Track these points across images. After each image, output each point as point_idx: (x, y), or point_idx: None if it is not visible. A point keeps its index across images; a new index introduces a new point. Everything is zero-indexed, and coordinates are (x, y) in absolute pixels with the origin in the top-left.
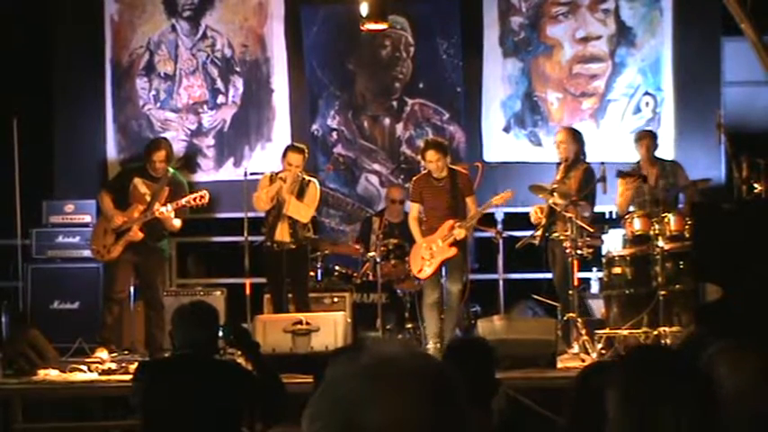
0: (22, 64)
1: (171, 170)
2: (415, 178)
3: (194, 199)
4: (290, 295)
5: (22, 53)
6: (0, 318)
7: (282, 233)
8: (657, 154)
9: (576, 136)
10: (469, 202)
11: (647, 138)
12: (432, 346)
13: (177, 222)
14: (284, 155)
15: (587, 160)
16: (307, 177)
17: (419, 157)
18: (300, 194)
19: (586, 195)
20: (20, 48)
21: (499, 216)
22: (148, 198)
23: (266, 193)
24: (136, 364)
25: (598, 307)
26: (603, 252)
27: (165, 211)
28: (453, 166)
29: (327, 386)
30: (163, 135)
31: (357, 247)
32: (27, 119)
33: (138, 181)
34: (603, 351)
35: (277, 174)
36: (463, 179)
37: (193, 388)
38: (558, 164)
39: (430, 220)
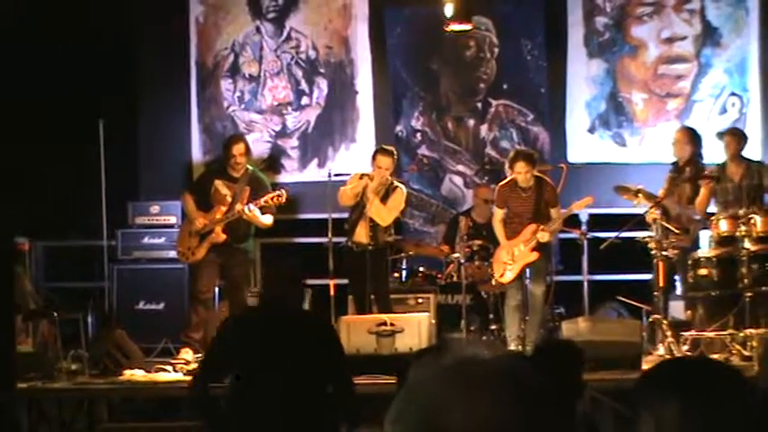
0: (108, 66)
1: (250, 168)
2: (500, 185)
3: (272, 198)
4: (372, 296)
5: (108, 55)
6: (86, 318)
7: (361, 234)
8: (745, 154)
9: (693, 137)
10: (554, 213)
11: (733, 136)
12: (513, 349)
13: (267, 219)
14: (374, 157)
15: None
16: (395, 183)
17: (506, 163)
18: (385, 198)
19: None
20: (106, 50)
21: (584, 217)
22: (230, 199)
23: (352, 189)
24: None
25: (678, 309)
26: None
27: (248, 210)
28: (540, 174)
29: (410, 387)
30: (247, 136)
31: (444, 248)
32: (112, 120)
33: (218, 183)
34: (689, 353)
35: (368, 174)
36: (549, 190)
37: (285, 337)
38: (674, 163)
39: (513, 224)
